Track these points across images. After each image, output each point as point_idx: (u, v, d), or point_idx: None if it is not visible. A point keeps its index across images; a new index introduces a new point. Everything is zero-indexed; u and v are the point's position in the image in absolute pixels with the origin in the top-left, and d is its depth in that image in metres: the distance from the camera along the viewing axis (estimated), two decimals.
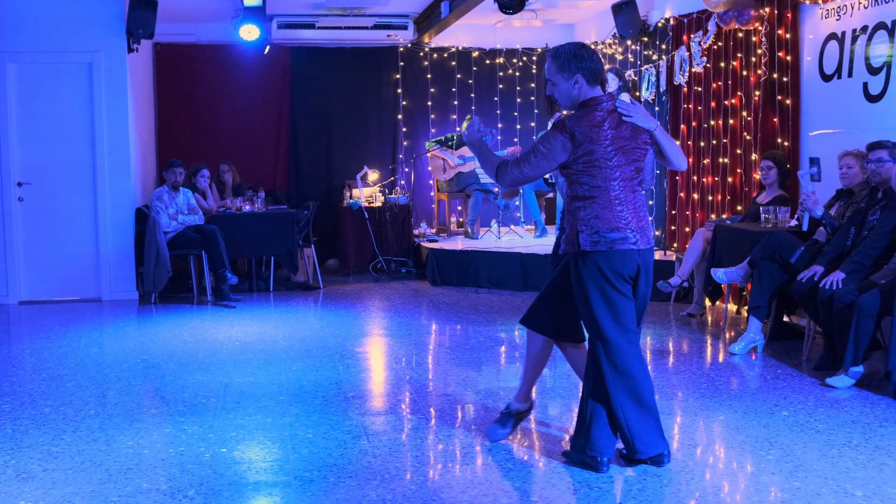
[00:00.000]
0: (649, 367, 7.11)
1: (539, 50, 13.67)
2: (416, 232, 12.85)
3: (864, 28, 7.73)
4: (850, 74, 7.95)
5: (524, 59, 13.71)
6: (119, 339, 8.47)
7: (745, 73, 9.32)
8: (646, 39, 11.23)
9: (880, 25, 7.53)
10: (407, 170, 13.55)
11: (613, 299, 4.78)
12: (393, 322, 9.20)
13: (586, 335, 5.06)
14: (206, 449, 5.23)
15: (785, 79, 8.69)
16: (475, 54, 13.66)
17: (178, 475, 4.82)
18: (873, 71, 7.64)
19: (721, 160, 9.72)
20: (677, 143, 4.97)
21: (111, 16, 10.39)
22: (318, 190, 13.32)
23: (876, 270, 6.67)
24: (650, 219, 11.20)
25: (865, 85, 7.74)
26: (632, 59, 11.69)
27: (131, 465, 4.98)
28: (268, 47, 12.71)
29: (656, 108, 11.01)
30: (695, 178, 10.27)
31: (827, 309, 6.66)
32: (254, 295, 10.85)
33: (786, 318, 8.19)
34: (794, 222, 7.99)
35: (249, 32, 11.28)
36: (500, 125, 13.74)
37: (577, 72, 4.77)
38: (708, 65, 9.84)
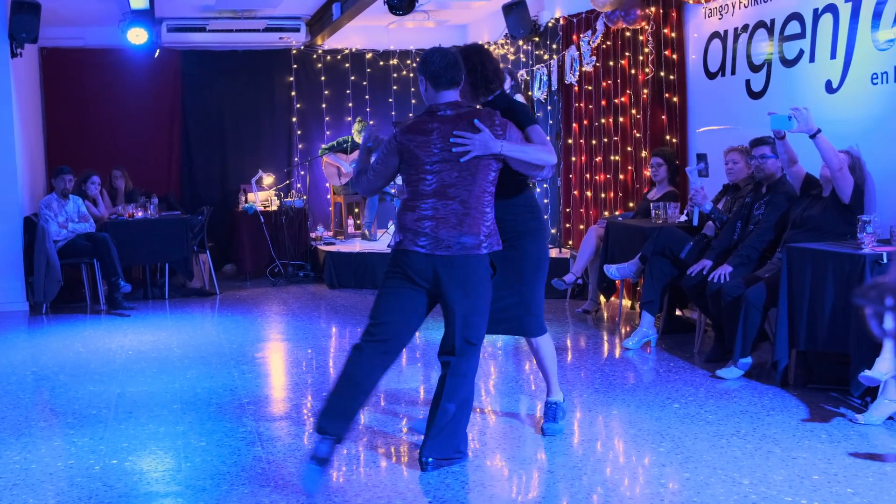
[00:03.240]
0: (533, 363, 7.21)
1: None
2: (312, 235, 12.77)
3: (746, 27, 7.92)
4: (733, 72, 8.13)
5: (418, 60, 13.69)
6: (7, 351, 8.25)
7: (633, 71, 9.47)
8: (537, 39, 11.34)
9: (760, 24, 7.72)
10: (303, 173, 13.47)
11: None
12: (290, 326, 9.14)
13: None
14: (97, 461, 5.13)
15: (672, 77, 8.85)
16: (369, 56, 13.64)
17: (67, 489, 4.71)
18: (755, 68, 7.83)
19: (612, 158, 9.86)
20: (538, 145, 4.95)
21: None
22: (213, 195, 13.17)
23: (762, 264, 6.83)
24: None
25: (748, 82, 7.92)
26: (524, 59, 11.79)
27: (17, 480, 4.86)
28: (157, 51, 12.51)
29: (549, 108, 11.13)
30: (587, 175, 10.40)
31: (716, 302, 6.80)
32: (149, 302, 10.68)
33: (678, 312, 8.34)
34: (683, 217, 8.14)
35: (137, 36, 11.10)
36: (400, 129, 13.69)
37: (421, 74, 4.87)
38: (597, 64, 9.98)
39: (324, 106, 13.59)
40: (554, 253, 10.45)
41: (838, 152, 6.22)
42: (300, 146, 13.51)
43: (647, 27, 9.09)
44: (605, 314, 9.17)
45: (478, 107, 5.04)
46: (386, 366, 4.79)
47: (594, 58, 9.94)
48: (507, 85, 10.62)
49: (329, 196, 13.47)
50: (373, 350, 4.74)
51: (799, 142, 6.51)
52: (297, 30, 12.65)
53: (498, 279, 5.05)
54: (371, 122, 13.17)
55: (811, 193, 6.63)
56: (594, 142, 10.23)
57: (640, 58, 9.29)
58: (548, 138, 5.05)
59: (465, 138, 4.72)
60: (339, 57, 13.56)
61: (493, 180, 4.84)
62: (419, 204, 4.78)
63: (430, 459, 4.79)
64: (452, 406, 4.78)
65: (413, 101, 13.75)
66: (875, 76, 6.57)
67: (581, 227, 10.48)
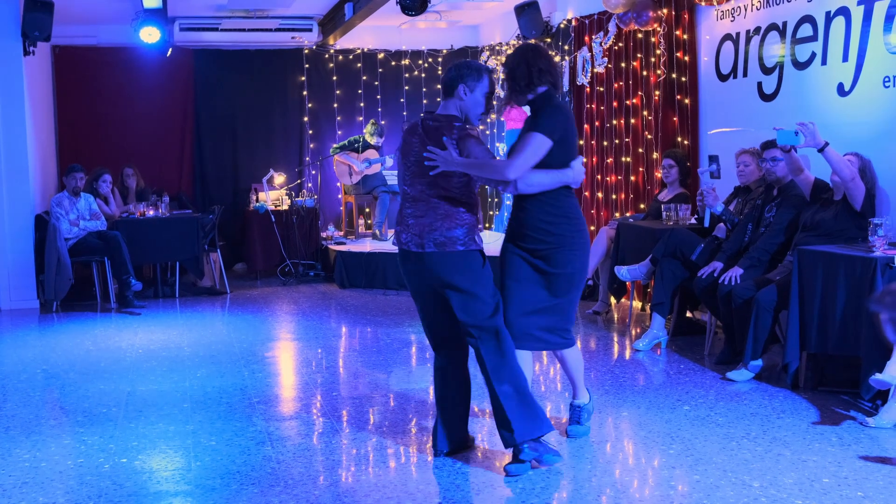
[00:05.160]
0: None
1: (444, 51, 13.68)
2: (323, 235, 12.79)
3: (758, 29, 7.90)
4: (745, 74, 8.12)
5: (430, 60, 13.72)
6: (18, 348, 8.27)
7: (645, 73, 9.45)
8: (549, 40, 11.32)
9: (772, 27, 7.71)
10: (314, 172, 13.48)
11: None
12: (301, 326, 9.15)
13: None
14: (106, 460, 5.14)
15: (683, 79, 8.83)
16: (381, 56, 13.64)
17: (76, 487, 4.72)
18: (767, 71, 7.81)
19: (624, 159, 9.85)
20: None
21: (5, 18, 10.09)
22: (224, 194, 13.18)
23: (773, 266, 6.82)
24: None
25: (760, 84, 7.90)
26: None
27: (27, 478, 4.87)
28: (170, 50, 12.54)
29: None
30: (598, 177, 10.39)
31: (727, 304, 6.79)
32: (159, 301, 10.70)
33: (688, 314, 8.33)
34: (694, 219, 8.13)
35: (150, 35, 11.10)
36: (405, 127, 13.70)
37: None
38: (609, 65, 9.96)
39: (335, 106, 13.59)
40: None
41: (847, 158, 6.20)
42: (311, 146, 13.52)
43: (659, 29, 9.07)
44: (616, 316, 9.16)
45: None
46: None
47: (606, 59, 9.93)
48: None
49: (340, 196, 13.48)
50: None
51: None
52: (310, 29, 12.67)
53: (528, 292, 4.98)
54: (379, 113, 13.13)
55: (822, 197, 6.61)
56: (605, 143, 10.21)
57: (652, 59, 9.27)
58: (525, 152, 4.83)
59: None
60: (350, 57, 13.56)
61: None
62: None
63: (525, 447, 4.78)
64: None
65: (424, 102, 13.74)
66: (887, 79, 6.55)
67: (592, 228, 10.46)
